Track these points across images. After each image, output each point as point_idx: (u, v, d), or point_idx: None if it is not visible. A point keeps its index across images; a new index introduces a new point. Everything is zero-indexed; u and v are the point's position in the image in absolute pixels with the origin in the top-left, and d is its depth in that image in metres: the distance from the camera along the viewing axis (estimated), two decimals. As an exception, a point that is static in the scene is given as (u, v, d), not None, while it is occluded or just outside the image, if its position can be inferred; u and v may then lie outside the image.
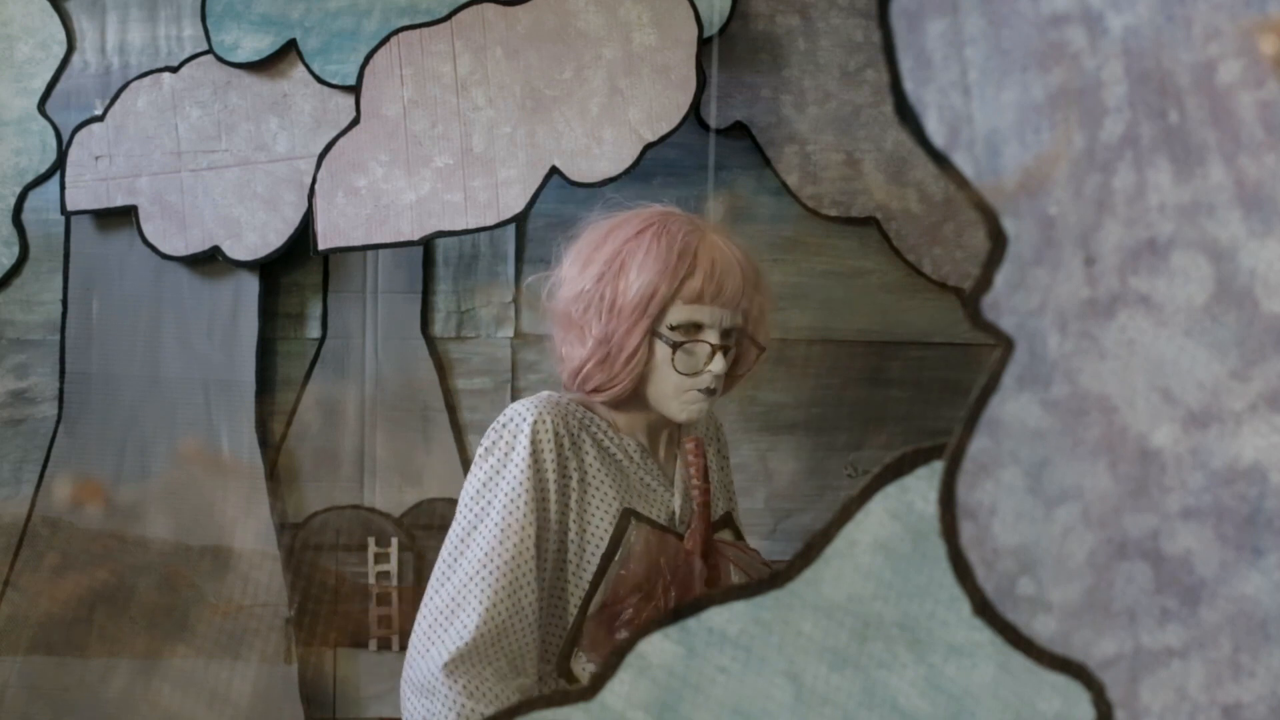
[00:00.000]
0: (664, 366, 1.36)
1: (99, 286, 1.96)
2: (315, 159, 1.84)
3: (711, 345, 1.35)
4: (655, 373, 1.36)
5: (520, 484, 1.29)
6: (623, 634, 1.32)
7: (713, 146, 1.90)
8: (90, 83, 1.95)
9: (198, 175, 1.91)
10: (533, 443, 1.31)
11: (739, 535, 1.49)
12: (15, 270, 1.97)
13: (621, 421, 1.42)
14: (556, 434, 1.33)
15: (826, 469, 1.97)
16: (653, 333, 1.35)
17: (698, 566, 1.35)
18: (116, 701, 1.90)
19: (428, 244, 1.91)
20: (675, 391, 1.36)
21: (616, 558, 1.34)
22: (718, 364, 1.34)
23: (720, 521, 1.45)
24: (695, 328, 1.35)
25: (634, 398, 1.39)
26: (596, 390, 1.38)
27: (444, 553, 1.33)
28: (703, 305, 1.34)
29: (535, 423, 1.32)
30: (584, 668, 1.33)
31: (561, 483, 1.33)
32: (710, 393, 1.37)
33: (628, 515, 1.35)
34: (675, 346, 1.34)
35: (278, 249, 1.89)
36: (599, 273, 1.35)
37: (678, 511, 1.41)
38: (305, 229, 1.86)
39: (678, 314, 1.34)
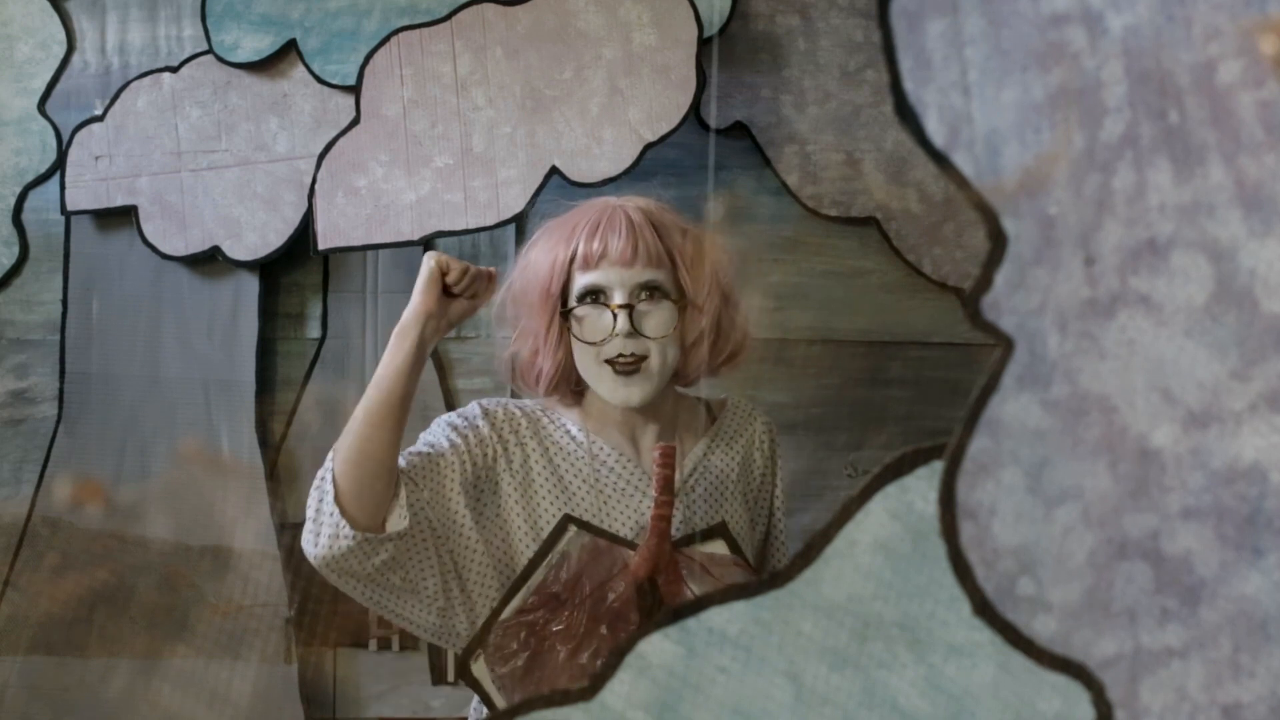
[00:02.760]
0: (577, 343, 1.32)
1: (99, 286, 1.96)
2: (315, 159, 1.84)
3: (610, 307, 1.30)
4: (578, 354, 1.33)
5: (456, 425, 1.34)
6: (530, 643, 1.27)
7: (713, 146, 1.90)
8: (90, 83, 1.96)
9: (198, 175, 1.91)
10: (486, 415, 1.35)
11: (735, 549, 1.37)
12: (15, 270, 1.97)
13: (593, 423, 1.38)
14: (498, 428, 1.34)
15: (826, 469, 1.97)
16: (563, 310, 1.32)
17: (626, 584, 1.28)
18: (116, 701, 1.90)
19: (428, 244, 1.91)
20: (596, 368, 1.31)
21: (544, 564, 1.30)
22: (622, 324, 1.28)
23: (711, 532, 1.37)
24: (598, 293, 1.31)
25: (590, 394, 1.36)
26: (537, 381, 1.36)
27: None
28: (595, 269, 1.31)
29: (485, 408, 1.36)
30: (483, 673, 1.29)
31: (488, 468, 1.33)
32: (626, 367, 1.29)
33: (565, 522, 1.31)
34: (566, 315, 1.32)
35: (278, 249, 1.89)
36: (516, 269, 1.38)
37: None
38: (305, 229, 1.86)
39: (578, 283, 1.32)
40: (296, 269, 1.95)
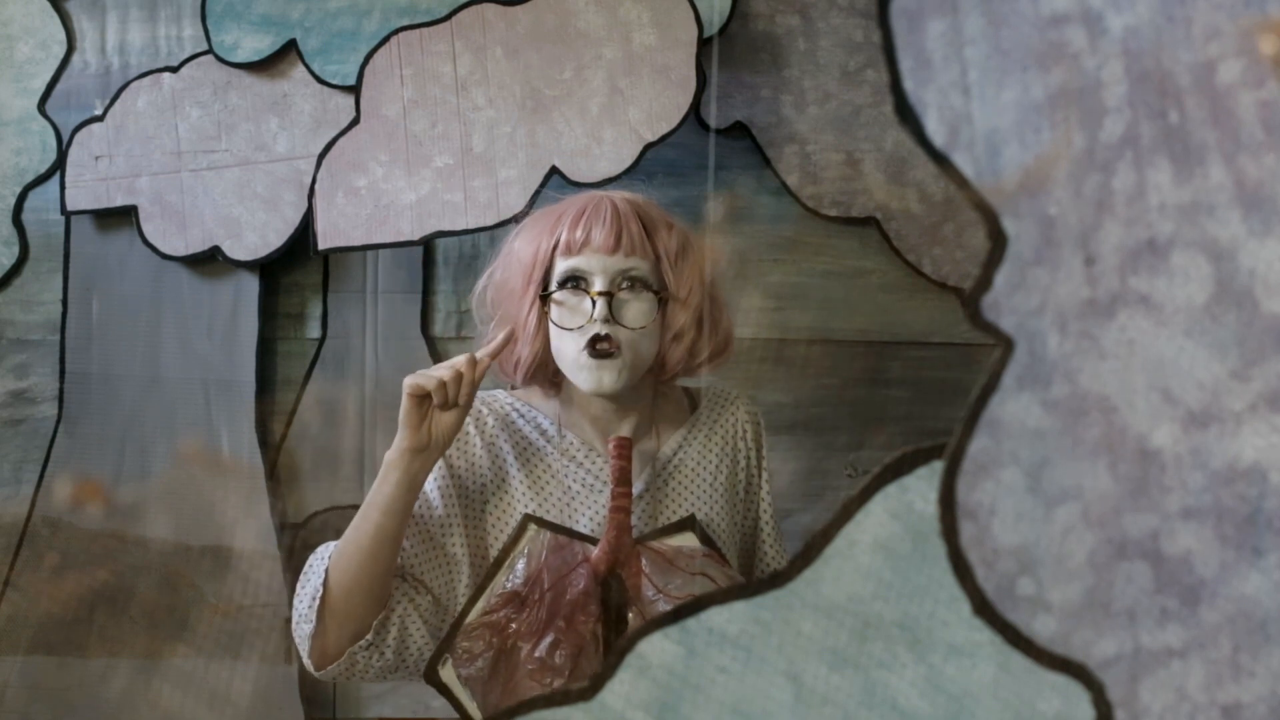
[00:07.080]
0: (555, 330, 1.30)
1: (99, 286, 1.96)
2: (315, 159, 1.84)
3: (589, 294, 1.29)
4: (556, 342, 1.31)
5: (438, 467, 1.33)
6: (493, 643, 1.26)
7: (713, 146, 1.90)
8: (90, 83, 1.96)
9: (198, 175, 1.91)
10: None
11: (707, 541, 1.35)
12: (15, 270, 1.97)
13: (567, 416, 1.37)
14: (462, 445, 1.33)
15: (826, 469, 1.97)
16: (543, 297, 1.31)
17: (585, 577, 1.26)
18: (116, 701, 1.90)
19: (428, 244, 1.91)
20: (575, 354, 1.29)
21: (505, 564, 1.29)
22: (600, 310, 1.27)
23: (679, 525, 1.34)
24: (578, 279, 1.30)
25: (567, 386, 1.35)
26: (516, 369, 1.35)
27: None
28: (576, 255, 1.29)
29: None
30: (451, 677, 1.29)
31: (474, 474, 1.33)
32: (602, 350, 1.27)
33: (525, 522, 1.30)
34: (545, 299, 1.30)
35: (278, 249, 1.89)
36: (499, 257, 1.38)
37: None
38: (305, 229, 1.86)
39: (559, 269, 1.31)
40: (296, 269, 1.95)
